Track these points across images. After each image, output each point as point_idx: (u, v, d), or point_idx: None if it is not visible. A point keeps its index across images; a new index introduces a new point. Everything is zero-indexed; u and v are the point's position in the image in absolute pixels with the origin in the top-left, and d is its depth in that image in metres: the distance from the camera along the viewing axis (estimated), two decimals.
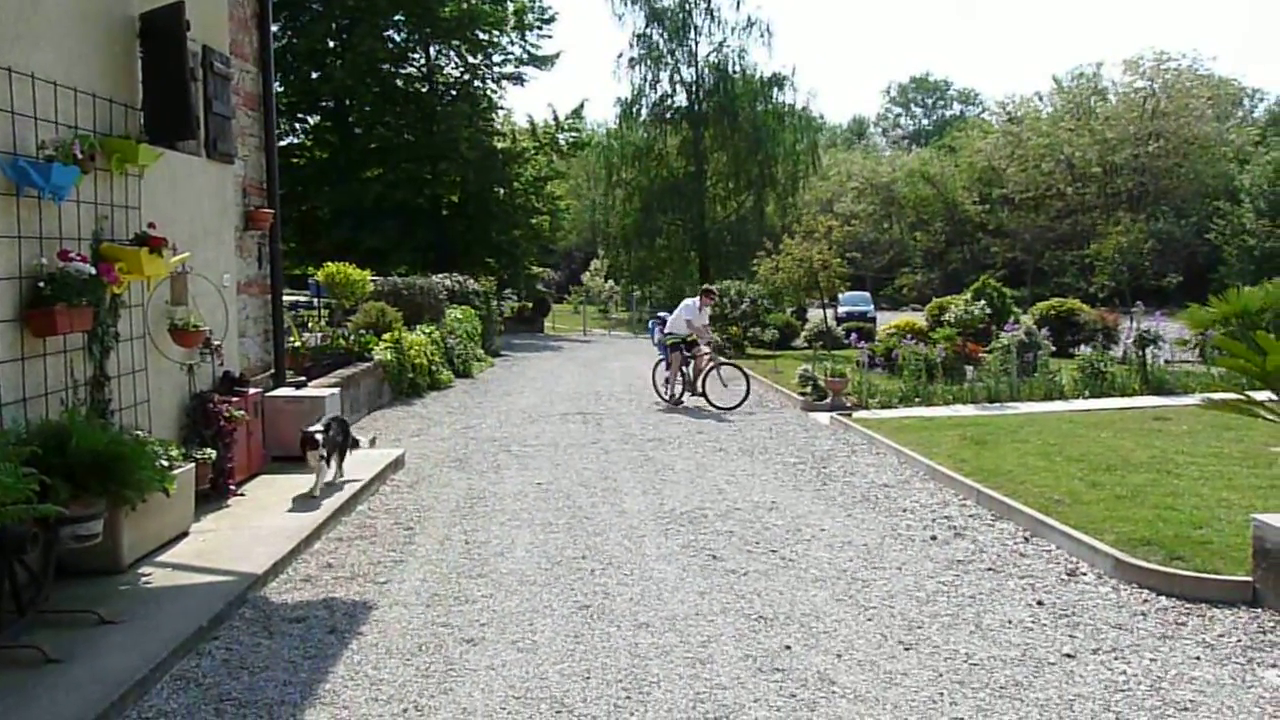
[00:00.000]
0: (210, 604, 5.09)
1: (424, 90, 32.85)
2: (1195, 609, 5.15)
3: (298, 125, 32.82)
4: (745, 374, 13.84)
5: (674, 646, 4.72)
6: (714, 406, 13.00)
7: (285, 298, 10.97)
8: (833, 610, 5.22)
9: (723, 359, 14.90)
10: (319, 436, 7.44)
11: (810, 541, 6.58)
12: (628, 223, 40.15)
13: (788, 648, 4.69)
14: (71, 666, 4.24)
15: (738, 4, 42.40)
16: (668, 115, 39.69)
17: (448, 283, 21.20)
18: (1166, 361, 14.83)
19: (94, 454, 4.98)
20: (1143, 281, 34.74)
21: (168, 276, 6.74)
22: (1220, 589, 5.29)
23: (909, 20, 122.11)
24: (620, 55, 42.79)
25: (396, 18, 30.92)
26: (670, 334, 13.73)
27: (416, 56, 33.00)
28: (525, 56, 33.37)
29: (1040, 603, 5.33)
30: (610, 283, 44.19)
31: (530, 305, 34.96)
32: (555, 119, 34.27)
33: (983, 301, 18.58)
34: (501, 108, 34.90)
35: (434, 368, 15.44)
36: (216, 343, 7.50)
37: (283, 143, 29.51)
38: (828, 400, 12.93)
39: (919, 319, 21.40)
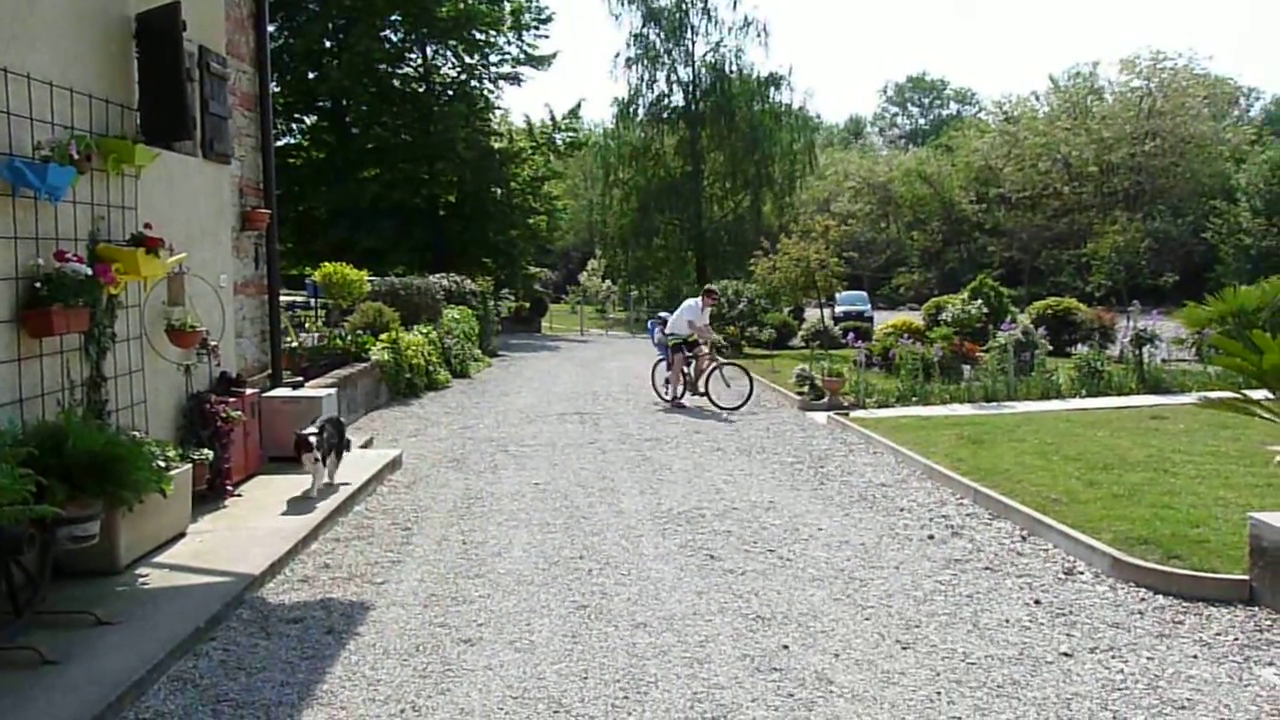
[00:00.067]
0: (207, 605, 5.09)
1: (421, 90, 32.85)
2: (1192, 607, 5.16)
3: (294, 125, 32.83)
4: (748, 374, 13.84)
5: (672, 646, 4.72)
6: (717, 406, 12.99)
7: (282, 298, 10.93)
8: (830, 609, 5.23)
9: (723, 359, 14.90)
10: (313, 439, 7.42)
11: (808, 541, 6.59)
12: (625, 223, 40.11)
13: (785, 647, 4.70)
14: (68, 668, 4.24)
15: (734, 4, 42.57)
16: (665, 115, 39.66)
17: (445, 283, 21.19)
18: (1163, 360, 14.86)
19: (91, 455, 4.97)
20: (1139, 280, 34.76)
21: (164, 277, 6.74)
22: (1217, 587, 5.30)
23: (906, 20, 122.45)
24: (617, 55, 42.86)
25: (393, 18, 30.92)
26: (671, 334, 13.71)
27: (413, 56, 32.99)
28: (522, 56, 33.39)
29: (1038, 601, 5.34)
30: (607, 283, 44.21)
31: (527, 305, 34.96)
32: (552, 119, 34.26)
33: (980, 301, 18.61)
34: (498, 108, 34.98)
35: (431, 368, 15.42)
36: (213, 343, 7.49)
37: (279, 143, 29.52)
38: (825, 400, 12.95)
39: (916, 318, 21.44)
